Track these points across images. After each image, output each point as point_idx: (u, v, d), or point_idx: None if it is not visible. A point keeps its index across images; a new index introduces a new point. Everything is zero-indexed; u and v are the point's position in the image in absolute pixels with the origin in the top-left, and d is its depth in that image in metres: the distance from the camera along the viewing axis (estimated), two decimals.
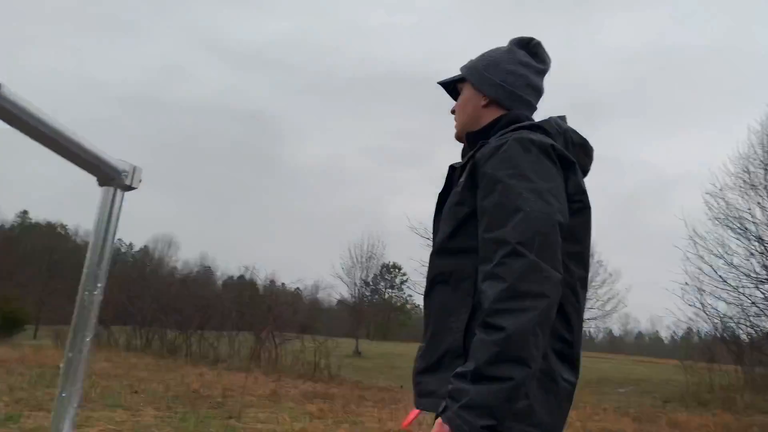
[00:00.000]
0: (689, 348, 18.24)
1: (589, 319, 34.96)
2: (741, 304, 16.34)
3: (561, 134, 1.30)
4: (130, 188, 0.91)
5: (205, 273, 73.27)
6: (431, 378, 1.20)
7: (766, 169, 16.51)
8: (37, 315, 34.91)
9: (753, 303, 16.20)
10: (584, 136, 1.36)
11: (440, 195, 1.35)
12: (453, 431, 1.02)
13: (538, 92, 1.42)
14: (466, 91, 1.42)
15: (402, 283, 51.74)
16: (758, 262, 16.18)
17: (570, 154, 1.27)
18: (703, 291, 16.68)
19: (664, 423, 8.92)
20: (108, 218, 0.89)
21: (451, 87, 1.50)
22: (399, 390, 11.29)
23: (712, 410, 11.54)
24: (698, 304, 16.88)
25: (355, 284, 29.48)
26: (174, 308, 16.06)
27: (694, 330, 19.10)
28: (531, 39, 1.41)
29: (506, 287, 1.04)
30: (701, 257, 17.15)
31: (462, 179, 1.25)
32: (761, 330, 16.18)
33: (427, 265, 1.30)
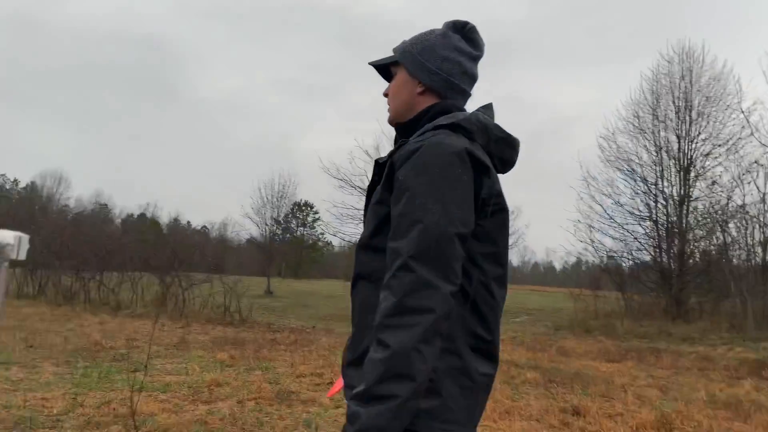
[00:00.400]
0: (578, 278, 19.86)
1: None
2: (625, 240, 17.88)
3: (483, 131, 1.30)
4: (16, 261, 0.82)
5: (102, 211, 69.35)
6: (354, 372, 1.22)
7: (653, 115, 17.76)
8: None
9: (635, 238, 17.76)
10: (507, 131, 1.36)
11: (369, 187, 1.35)
12: None
13: (473, 79, 1.40)
14: (400, 76, 1.39)
15: (314, 221, 51.76)
16: (642, 201, 17.68)
17: (493, 149, 1.30)
18: (593, 228, 18.08)
19: (554, 351, 9.76)
20: None
21: (384, 68, 1.45)
22: (311, 331, 11.48)
23: (596, 336, 12.76)
24: (588, 240, 18.33)
25: (266, 224, 29.05)
26: (68, 250, 15.10)
27: (583, 261, 20.75)
28: (466, 23, 1.38)
29: (394, 303, 1.08)
30: (593, 197, 18.49)
31: (382, 178, 1.26)
32: (641, 262, 17.86)
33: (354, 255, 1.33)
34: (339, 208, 21.80)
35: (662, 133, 17.39)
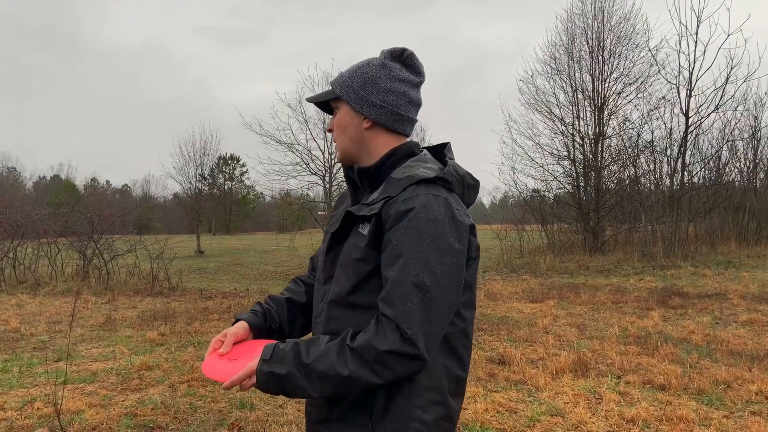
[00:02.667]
0: (504, 214, 20.62)
1: None
2: (545, 180, 18.61)
3: (460, 183, 1.33)
4: None
5: (11, 175, 64.56)
6: (324, 429, 1.32)
7: (569, 55, 18.19)
8: None
9: (555, 178, 18.52)
10: (475, 178, 1.40)
11: (334, 235, 1.35)
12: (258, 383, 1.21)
13: (419, 105, 1.39)
14: (344, 112, 1.36)
15: (242, 174, 50.50)
16: (560, 141, 18.33)
17: (465, 196, 1.35)
18: (515, 169, 18.68)
19: (482, 295, 10.20)
20: None
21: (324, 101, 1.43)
22: (245, 294, 11.39)
23: (522, 276, 13.42)
24: (511, 181, 18.96)
25: (190, 182, 28.02)
26: None
27: (510, 197, 21.53)
28: (404, 50, 1.36)
29: (378, 350, 1.15)
30: (514, 140, 19.01)
31: (365, 233, 1.25)
32: (560, 200, 18.72)
33: (321, 309, 1.35)
34: (265, 164, 21.34)
35: (577, 74, 17.91)
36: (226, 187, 49.62)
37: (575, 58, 17.91)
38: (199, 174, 31.21)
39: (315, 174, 21.93)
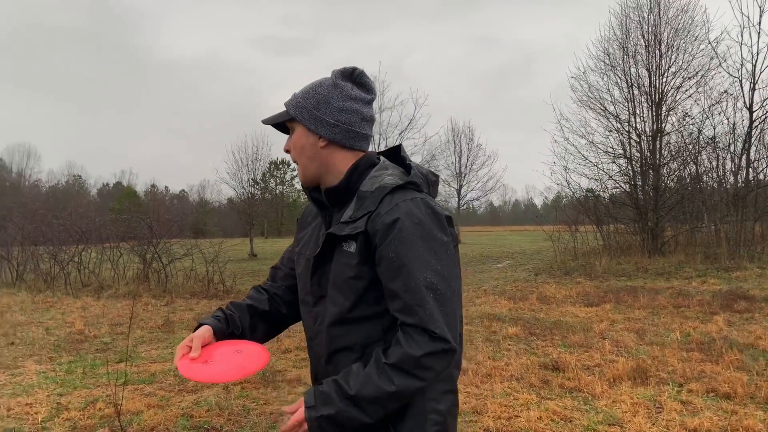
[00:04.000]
0: (558, 215, 20.12)
1: (471, 200, 37.18)
2: (600, 179, 18.05)
3: (426, 182, 1.39)
4: None
5: (76, 183, 67.99)
6: None
7: (623, 50, 17.60)
8: None
9: (610, 177, 17.94)
10: (435, 173, 1.45)
11: (316, 259, 1.37)
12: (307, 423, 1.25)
13: (372, 121, 1.42)
14: (300, 133, 1.39)
15: (292, 179, 51.34)
16: (615, 139, 17.75)
17: (431, 193, 1.40)
18: (568, 169, 18.20)
19: (535, 299, 9.97)
20: None
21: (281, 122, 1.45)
22: None
23: (576, 278, 13.05)
24: (564, 181, 18.50)
25: (243, 187, 28.72)
26: (42, 234, 14.83)
27: (563, 197, 20.99)
28: (354, 69, 1.39)
29: (414, 357, 1.21)
30: (567, 139, 18.53)
31: (352, 250, 1.29)
32: (616, 200, 18.12)
33: (318, 330, 1.38)
34: None
35: (633, 69, 17.30)
36: (277, 191, 50.61)
37: (630, 53, 17.32)
38: (252, 179, 31.94)
39: None
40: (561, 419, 4.05)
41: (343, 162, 1.37)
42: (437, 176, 1.45)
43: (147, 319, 8.57)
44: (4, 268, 14.64)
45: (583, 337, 6.67)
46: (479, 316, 8.35)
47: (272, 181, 49.72)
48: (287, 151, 1.43)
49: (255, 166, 29.52)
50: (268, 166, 43.09)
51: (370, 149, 1.44)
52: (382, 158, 1.43)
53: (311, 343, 1.43)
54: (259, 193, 38.77)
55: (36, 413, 4.31)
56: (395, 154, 1.44)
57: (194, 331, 1.40)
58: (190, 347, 1.33)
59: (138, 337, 7.23)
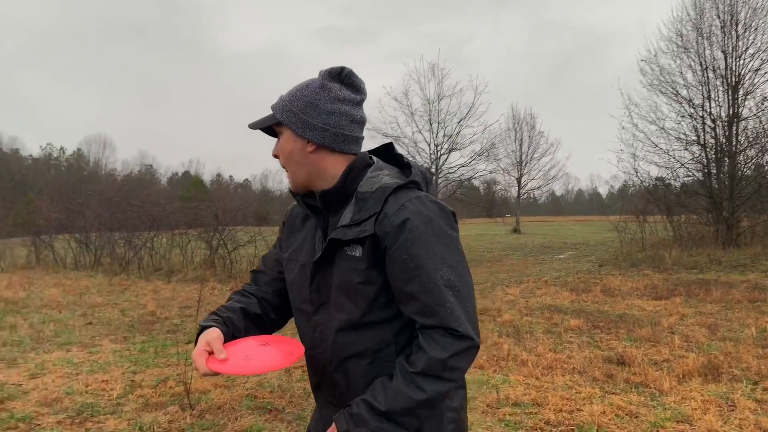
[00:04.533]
0: (624, 204, 19.36)
1: (532, 189, 36.36)
2: (671, 167, 17.22)
3: (423, 180, 1.36)
4: None
5: (147, 172, 71.32)
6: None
7: (697, 31, 16.65)
8: None
9: (682, 165, 17.09)
10: (431, 170, 1.41)
11: (316, 264, 1.32)
12: None
13: (363, 123, 1.37)
14: (288, 137, 1.33)
15: None
16: (688, 125, 16.87)
17: (428, 191, 1.38)
18: (636, 156, 17.46)
19: (599, 291, 9.67)
20: None
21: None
22: None
23: (643, 270, 12.55)
24: (632, 170, 17.76)
25: None
26: (117, 220, 15.67)
27: (630, 186, 20.19)
28: (342, 69, 1.33)
29: (440, 360, 1.18)
30: (635, 125, 17.76)
31: (358, 254, 1.25)
32: (688, 189, 17.25)
33: (320, 338, 1.33)
34: None
35: (707, 51, 16.33)
36: None
37: (705, 34, 16.34)
38: None
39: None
40: (626, 414, 3.92)
41: (334, 166, 1.32)
42: (433, 174, 1.43)
43: (213, 303, 8.91)
44: (83, 252, 15.58)
45: (650, 331, 6.42)
46: (539, 308, 8.18)
47: None
48: (276, 156, 1.37)
49: None
50: None
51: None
52: (375, 158, 1.38)
53: (312, 352, 1.37)
54: None
55: (111, 389, 4.57)
56: (386, 153, 1.40)
57: (198, 335, 1.31)
58: (209, 351, 1.25)
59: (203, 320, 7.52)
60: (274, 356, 1.26)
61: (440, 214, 1.26)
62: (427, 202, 1.26)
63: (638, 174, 17.63)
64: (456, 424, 1.32)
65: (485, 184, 31.24)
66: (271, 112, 1.36)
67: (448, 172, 22.19)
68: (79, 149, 67.72)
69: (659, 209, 17.40)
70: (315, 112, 1.30)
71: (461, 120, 21.36)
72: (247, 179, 78.15)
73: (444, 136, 21.64)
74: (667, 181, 17.71)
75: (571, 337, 6.36)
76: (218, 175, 74.01)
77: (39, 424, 3.82)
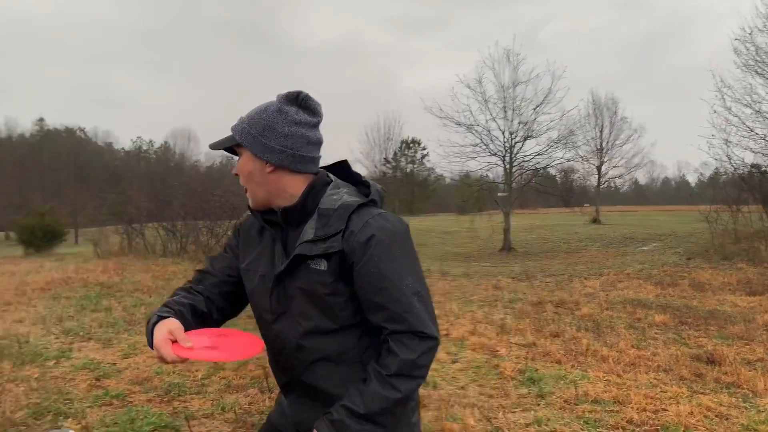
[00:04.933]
0: (715, 193, 18.13)
1: (613, 178, 34.78)
2: None
3: (379, 197, 1.45)
4: None
5: (229, 163, 74.37)
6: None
7: None
8: (74, 220, 36.04)
9: None
10: (384, 189, 1.52)
11: (280, 276, 1.39)
12: None
13: (319, 144, 1.43)
14: (247, 158, 1.40)
15: (423, 157, 51.69)
16: None
17: (383, 204, 1.47)
18: (730, 142, 16.29)
19: (687, 285, 9.13)
20: None
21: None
22: (426, 274, 11.65)
23: (736, 264, 11.73)
24: (724, 156, 16.60)
25: (375, 166, 29.48)
26: (201, 209, 16.43)
27: (719, 180, 18.90)
28: (299, 93, 1.39)
29: (410, 360, 1.30)
30: (728, 108, 16.54)
31: (323, 268, 1.34)
32: None
33: (285, 346, 1.40)
34: (444, 146, 21.51)
35: None
36: (408, 169, 51.27)
37: None
38: (384, 158, 32.73)
39: (494, 155, 21.53)
40: (716, 416, 3.68)
41: (292, 185, 1.39)
42: (385, 191, 1.52)
43: None
44: (170, 240, 16.48)
45: (743, 329, 5.99)
46: (621, 302, 7.84)
47: (403, 159, 50.39)
48: (236, 175, 1.43)
49: (387, 145, 30.16)
50: (399, 145, 43.71)
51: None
52: (332, 177, 1.45)
53: (277, 358, 1.44)
54: (390, 171, 39.57)
55: (196, 371, 4.81)
56: (340, 170, 1.47)
57: (153, 325, 1.35)
58: (172, 339, 1.29)
59: None
60: (238, 347, 1.35)
61: (400, 228, 1.36)
62: (389, 217, 1.37)
63: (731, 161, 16.44)
64: (415, 409, 1.46)
65: (562, 173, 30.18)
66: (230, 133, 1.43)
67: (523, 161, 21.66)
68: (166, 142, 71.52)
69: (754, 198, 16.14)
70: (273, 134, 1.36)
71: (537, 106, 20.75)
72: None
73: (519, 123, 21.11)
74: (764, 168, 16.41)
75: (656, 333, 6.04)
76: None
77: (131, 401, 4.08)
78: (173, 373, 4.73)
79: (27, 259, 18.42)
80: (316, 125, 1.41)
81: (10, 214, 33.51)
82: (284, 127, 1.36)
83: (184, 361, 1.29)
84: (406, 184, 47.45)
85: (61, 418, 3.81)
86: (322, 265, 1.34)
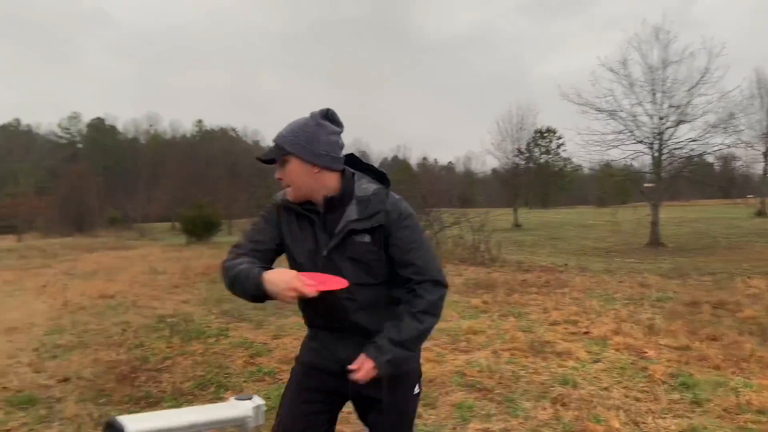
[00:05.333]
0: None
1: None
2: None
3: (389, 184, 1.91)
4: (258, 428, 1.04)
5: (362, 157, 77.14)
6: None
7: None
8: (228, 212, 39.50)
9: None
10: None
11: (332, 248, 1.78)
12: (377, 369, 1.71)
13: (343, 147, 1.83)
14: (296, 164, 1.75)
15: (558, 147, 49.41)
16: None
17: None
18: None
19: None
20: None
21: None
22: (563, 269, 11.19)
23: None
24: None
25: (507, 157, 28.78)
26: None
27: None
28: (327, 110, 1.79)
29: (433, 301, 1.77)
30: None
31: (367, 240, 1.76)
32: None
33: (343, 293, 1.74)
34: (583, 135, 20.36)
35: None
36: (542, 160, 49.33)
37: None
38: (516, 148, 31.78)
39: (640, 142, 19.96)
40: None
41: (330, 180, 1.79)
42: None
43: None
44: None
45: None
46: None
47: (537, 150, 48.57)
48: (280, 179, 1.79)
49: (519, 135, 29.29)
50: (532, 135, 42.20)
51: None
52: (347, 168, 1.84)
53: (329, 308, 1.79)
54: (523, 162, 38.36)
55: None
56: (353, 162, 1.88)
57: (258, 276, 1.63)
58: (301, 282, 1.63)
59: None
60: (332, 282, 1.68)
61: (411, 208, 1.85)
62: (404, 200, 1.85)
63: None
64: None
65: (721, 161, 27.26)
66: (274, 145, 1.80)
67: (675, 148, 19.84)
68: None
69: None
70: (318, 143, 1.75)
71: (692, 88, 18.89)
72: (450, 162, 79.74)
73: (670, 107, 19.38)
74: None
75: None
76: (424, 159, 76.84)
77: (281, 379, 4.40)
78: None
79: (189, 247, 20.62)
80: (340, 134, 1.81)
81: (176, 207, 37.64)
82: (324, 136, 1.76)
83: (319, 293, 1.61)
84: (540, 176, 45.68)
85: (222, 390, 4.22)
86: (366, 238, 1.76)
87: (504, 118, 30.98)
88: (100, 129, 68.76)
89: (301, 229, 1.83)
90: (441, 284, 1.79)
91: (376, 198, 1.77)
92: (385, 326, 1.76)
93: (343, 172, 1.82)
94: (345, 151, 1.85)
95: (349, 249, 1.76)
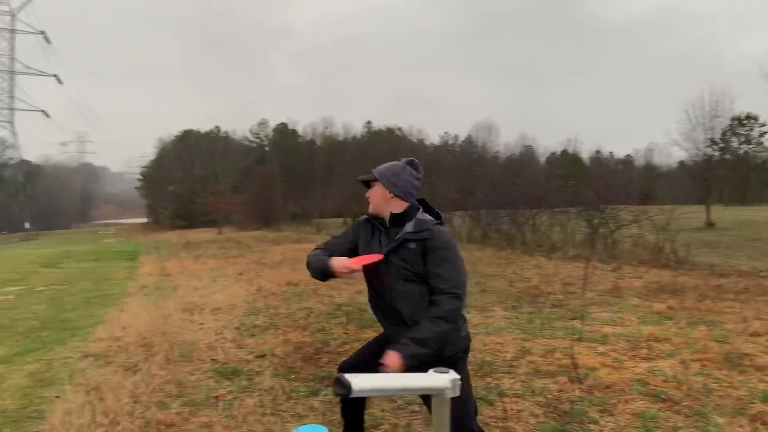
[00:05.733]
0: None
1: None
2: None
3: (442, 220, 2.50)
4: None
5: (527, 153, 74.69)
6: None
7: None
8: None
9: None
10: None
11: (390, 251, 2.42)
12: (402, 360, 2.17)
13: (419, 189, 2.53)
14: (377, 188, 2.49)
15: (761, 135, 43.01)
16: None
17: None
18: None
19: None
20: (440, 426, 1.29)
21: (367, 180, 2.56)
22: (766, 274, 9.78)
23: None
24: None
25: (698, 148, 25.80)
26: (504, 197, 16.95)
27: None
28: (413, 160, 2.52)
29: (450, 309, 2.26)
30: None
31: (413, 247, 2.37)
32: None
33: (390, 291, 2.44)
34: None
35: None
36: (741, 151, 43.31)
37: None
38: (709, 139, 28.34)
39: None
40: None
41: (397, 206, 2.48)
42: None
43: (595, 282, 8.79)
44: (474, 228, 17.45)
45: None
46: None
47: (734, 139, 42.79)
48: (367, 197, 2.51)
49: (713, 123, 26.08)
50: (729, 122, 37.27)
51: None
52: (417, 204, 2.51)
53: (382, 296, 2.48)
54: (717, 154, 34.07)
55: (505, 352, 5.03)
56: (423, 202, 2.54)
57: (328, 259, 2.42)
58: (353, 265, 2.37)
59: (587, 298, 7.51)
60: (371, 259, 2.39)
61: (452, 238, 2.42)
62: (448, 232, 2.44)
63: None
64: (464, 324, 2.46)
65: None
66: (371, 173, 2.53)
67: None
68: (469, 135, 75.64)
69: None
70: (397, 178, 2.46)
71: None
72: (629, 155, 73.73)
73: None
74: None
75: None
76: (597, 152, 72.05)
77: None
78: (483, 350, 5.04)
79: None
80: (419, 179, 2.51)
81: (347, 204, 40.08)
82: (404, 176, 2.47)
83: (367, 266, 2.38)
84: (738, 168, 40.14)
85: None
86: (413, 245, 2.36)
87: (694, 105, 27.77)
88: (283, 133, 75.56)
89: (373, 236, 2.53)
90: (459, 298, 2.27)
91: (428, 224, 2.40)
92: (411, 328, 2.28)
93: (410, 204, 2.47)
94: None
95: (401, 252, 2.39)
